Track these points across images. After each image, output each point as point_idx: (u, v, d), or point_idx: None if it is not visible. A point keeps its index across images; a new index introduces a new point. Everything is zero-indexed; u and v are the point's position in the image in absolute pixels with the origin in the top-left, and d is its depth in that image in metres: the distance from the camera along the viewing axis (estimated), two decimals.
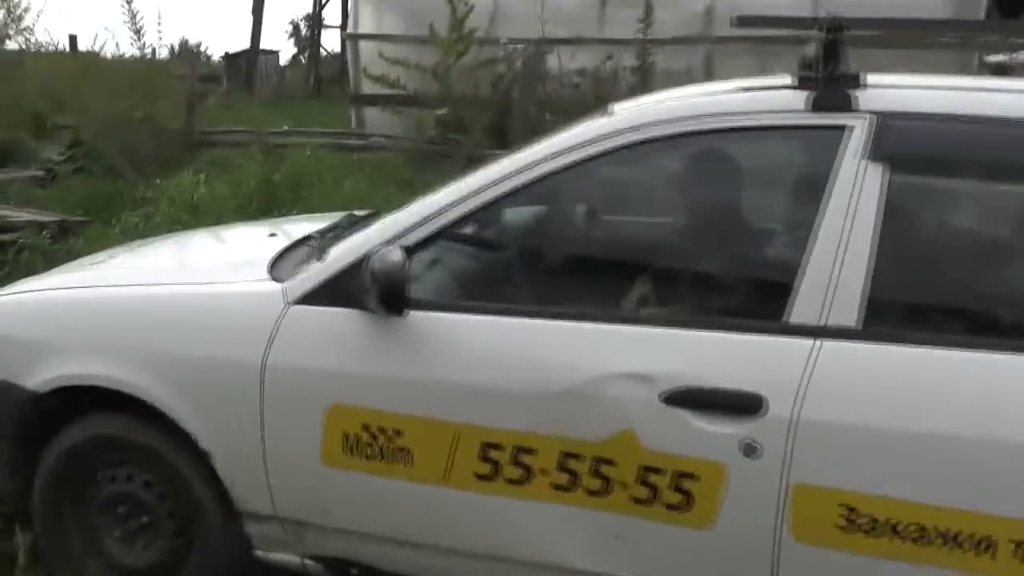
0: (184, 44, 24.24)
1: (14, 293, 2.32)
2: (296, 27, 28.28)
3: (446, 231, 1.88)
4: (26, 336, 2.17)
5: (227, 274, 2.13)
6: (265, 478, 1.97)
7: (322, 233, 2.38)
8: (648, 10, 6.94)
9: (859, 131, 1.69)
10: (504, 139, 7.27)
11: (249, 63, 18.20)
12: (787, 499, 1.65)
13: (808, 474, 1.63)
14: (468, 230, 1.92)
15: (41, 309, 2.21)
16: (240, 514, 2.03)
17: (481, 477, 1.81)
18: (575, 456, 1.75)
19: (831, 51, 1.75)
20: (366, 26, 9.40)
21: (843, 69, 1.75)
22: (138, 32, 7.68)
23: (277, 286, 1.98)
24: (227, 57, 21.18)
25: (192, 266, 2.36)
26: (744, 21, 6.75)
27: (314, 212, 4.96)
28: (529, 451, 1.77)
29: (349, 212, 2.70)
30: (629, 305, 1.82)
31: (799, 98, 1.75)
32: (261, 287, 2.00)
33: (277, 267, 2.13)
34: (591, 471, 1.75)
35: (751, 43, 8.20)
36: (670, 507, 1.72)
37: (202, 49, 28.26)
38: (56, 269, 2.69)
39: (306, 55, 24.78)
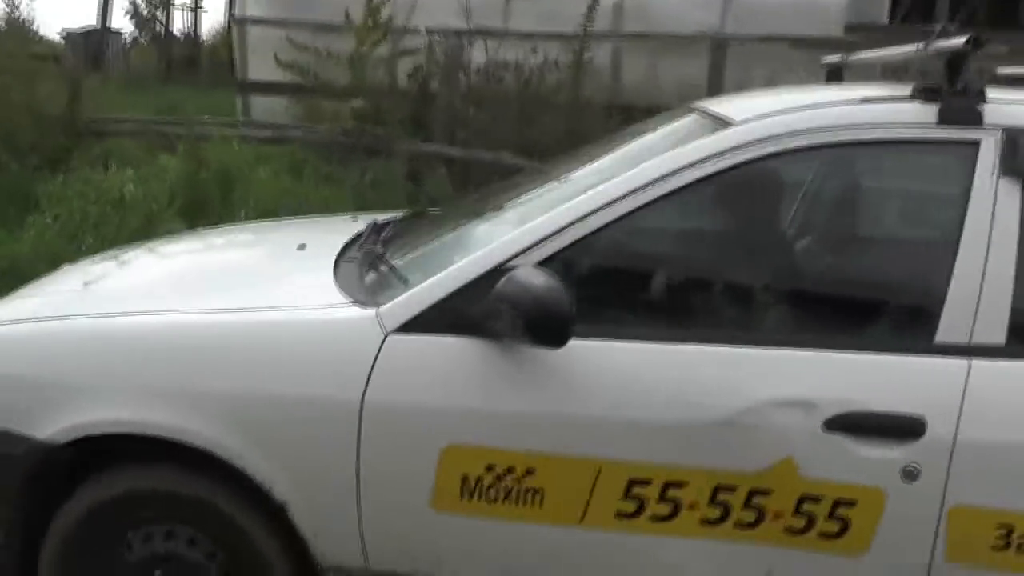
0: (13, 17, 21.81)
1: (6, 323, 1.91)
2: (135, 5, 26.15)
3: (570, 249, 1.71)
4: (34, 375, 1.80)
5: (294, 297, 1.85)
6: (358, 528, 1.74)
7: (371, 244, 2.13)
8: (592, 5, 6.89)
9: (989, 146, 1.69)
10: (423, 132, 7.04)
11: (96, 43, 16.67)
12: (943, 521, 1.63)
13: (966, 495, 1.62)
14: (594, 248, 1.75)
15: (54, 342, 1.83)
16: (322, 570, 1.78)
17: (623, 515, 1.67)
18: (729, 488, 1.65)
19: (957, 64, 1.74)
20: (254, 8, 8.80)
21: (971, 83, 1.74)
22: None
23: (368, 312, 1.73)
24: (68, 36, 19.31)
25: (236, 286, 2.02)
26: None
27: (252, 210, 4.61)
28: (679, 485, 1.65)
29: (373, 220, 2.45)
30: (778, 325, 1.73)
31: (928, 111, 1.73)
32: (347, 313, 1.75)
33: (344, 287, 1.88)
34: (744, 503, 1.65)
35: (658, 41, 8.41)
36: (824, 536, 1.65)
37: (31, 24, 25.54)
38: (25, 291, 2.26)
39: (149, 36, 23.07)
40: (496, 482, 1.68)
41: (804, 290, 1.80)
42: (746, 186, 1.77)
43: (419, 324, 1.69)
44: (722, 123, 1.81)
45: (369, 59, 6.67)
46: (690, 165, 1.71)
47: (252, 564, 1.80)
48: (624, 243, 1.75)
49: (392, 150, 6.67)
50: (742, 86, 8.90)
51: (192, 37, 22.69)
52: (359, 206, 5.38)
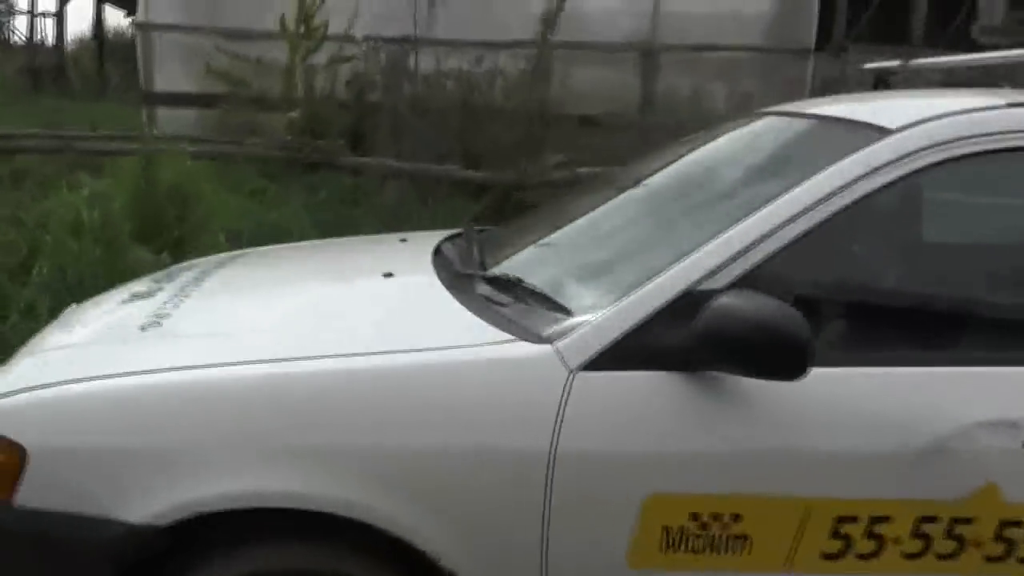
0: None
1: (79, 380, 1.59)
2: None
3: (758, 270, 1.59)
4: (116, 447, 1.51)
5: (433, 334, 1.63)
6: None
7: (477, 267, 1.95)
8: (552, 12, 6.81)
9: None
10: (363, 144, 6.75)
11: None
12: None
13: None
14: (778, 269, 1.64)
15: (142, 405, 1.54)
16: None
17: (829, 556, 1.57)
18: (931, 519, 1.58)
19: None
20: (161, 13, 8.20)
21: None
22: None
23: (544, 348, 1.56)
24: None
25: (345, 324, 1.77)
26: None
27: (211, 230, 4.21)
28: (884, 519, 1.57)
29: (440, 237, 2.25)
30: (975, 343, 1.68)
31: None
32: (520, 351, 1.56)
33: (489, 320, 1.68)
34: (945, 533, 1.59)
35: (590, 50, 8.47)
36: (1021, 561, 1.61)
37: None
38: (51, 342, 1.90)
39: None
40: (701, 531, 1.54)
41: (1001, 304, 1.76)
42: (920, 196, 1.72)
43: (607, 360, 1.53)
44: (873, 129, 1.75)
45: (303, 68, 6.33)
46: (863, 176, 1.64)
47: None
48: (807, 263, 1.65)
49: (335, 163, 6.36)
50: (672, 94, 9.17)
51: (57, 46, 21.06)
52: (324, 225, 5.09)
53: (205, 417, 1.53)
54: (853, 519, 1.56)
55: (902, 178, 1.65)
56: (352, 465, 1.49)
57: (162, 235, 4.04)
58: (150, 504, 1.47)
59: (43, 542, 1.52)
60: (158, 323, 1.84)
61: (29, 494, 1.51)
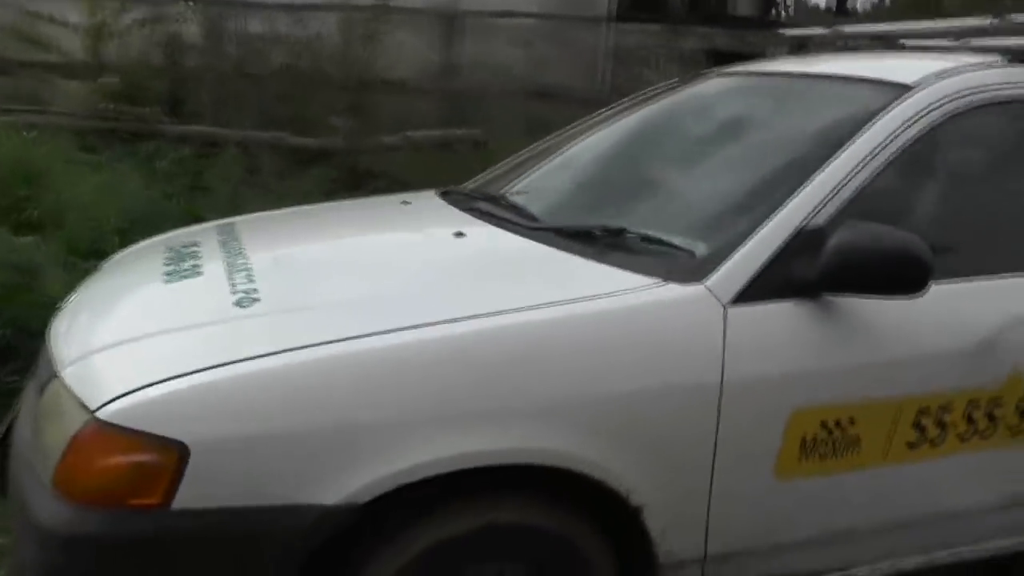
0: None
1: (225, 364, 1.43)
2: None
3: (842, 210, 1.81)
4: (301, 426, 1.41)
5: (594, 284, 1.66)
6: (705, 516, 1.68)
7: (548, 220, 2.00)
8: None
9: None
10: (182, 112, 6.17)
11: None
12: None
13: None
14: (862, 206, 1.85)
15: (316, 383, 1.44)
16: (660, 568, 1.68)
17: (910, 445, 1.86)
18: (976, 404, 1.92)
19: None
20: None
21: None
22: None
23: (699, 288, 1.66)
24: None
25: (471, 284, 1.70)
26: None
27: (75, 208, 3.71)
28: (948, 409, 1.88)
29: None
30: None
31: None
32: (678, 292, 1.65)
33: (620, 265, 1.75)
34: (985, 416, 1.94)
35: (393, 13, 8.36)
36: (1010, 431, 2.00)
37: None
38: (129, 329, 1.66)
39: None
40: (828, 437, 1.75)
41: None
42: (951, 140, 2.02)
43: (748, 294, 1.68)
44: (887, 87, 2.04)
45: (111, 30, 5.63)
46: (912, 122, 1.92)
47: None
48: (876, 200, 1.88)
49: (156, 132, 5.76)
50: (478, 60, 9.32)
51: None
52: (187, 197, 4.66)
53: (395, 387, 1.46)
54: (927, 411, 1.86)
55: (938, 127, 1.95)
56: (551, 416, 1.51)
57: (11, 216, 3.51)
58: (346, 483, 1.39)
59: (212, 544, 1.38)
60: (253, 299, 1.68)
61: (191, 494, 1.36)
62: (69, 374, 1.53)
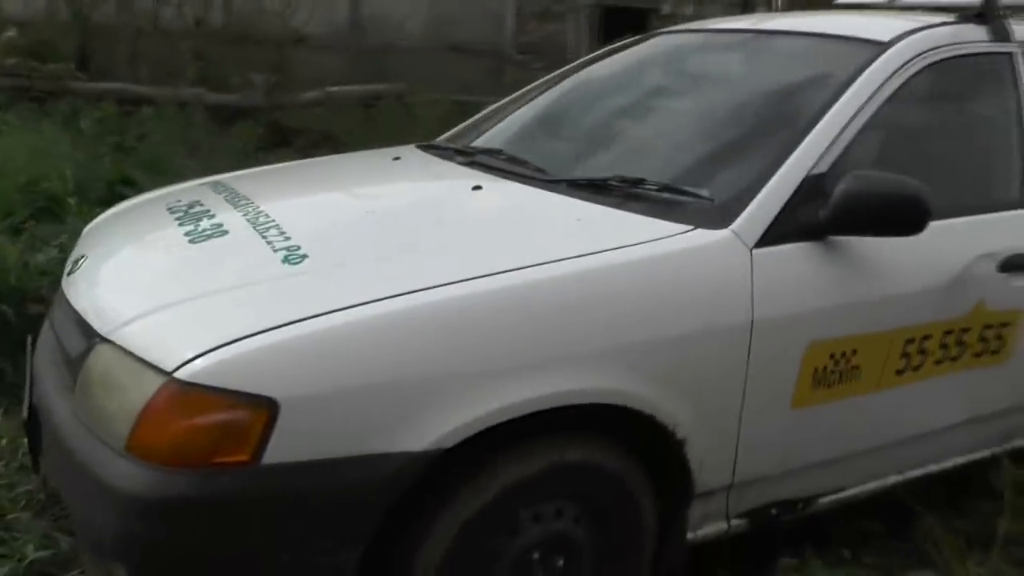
0: None
1: (307, 319, 1.44)
2: None
3: (840, 159, 1.95)
4: (388, 377, 1.45)
5: (631, 233, 1.74)
6: (734, 446, 1.82)
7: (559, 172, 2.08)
8: None
9: (1019, 58, 2.39)
10: (91, 68, 5.81)
11: None
12: None
13: None
14: (854, 155, 1.99)
15: (395, 337, 1.47)
16: (686, 503, 1.81)
17: (898, 372, 2.05)
18: (950, 332, 2.13)
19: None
20: None
21: (1000, 11, 2.40)
22: None
23: (726, 233, 1.78)
24: None
25: (506, 236, 1.74)
26: None
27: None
28: (928, 338, 2.08)
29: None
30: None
31: (983, 31, 2.35)
32: (709, 237, 1.76)
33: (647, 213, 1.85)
34: (956, 342, 2.15)
35: None
36: (993, 353, 2.24)
37: None
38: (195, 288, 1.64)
39: None
40: (835, 368, 1.92)
41: (980, 168, 2.32)
42: (924, 91, 2.20)
43: (768, 238, 1.81)
44: (862, 43, 2.20)
45: None
46: (890, 78, 2.08)
47: (621, 517, 1.75)
48: (871, 148, 2.04)
49: (69, 90, 5.41)
50: (381, 16, 9.12)
51: None
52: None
53: (474, 334, 1.52)
54: (912, 340, 2.05)
55: (911, 79, 2.12)
56: (609, 359, 1.60)
57: None
58: (432, 429, 1.44)
59: (302, 497, 1.41)
60: (301, 255, 1.68)
61: (281, 449, 1.38)
62: (126, 338, 1.50)
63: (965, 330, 2.16)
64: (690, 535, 1.90)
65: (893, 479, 2.27)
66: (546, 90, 2.93)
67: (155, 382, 1.39)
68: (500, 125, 2.81)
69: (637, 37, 3.11)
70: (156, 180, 4.32)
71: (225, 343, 1.39)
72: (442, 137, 2.94)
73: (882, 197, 1.81)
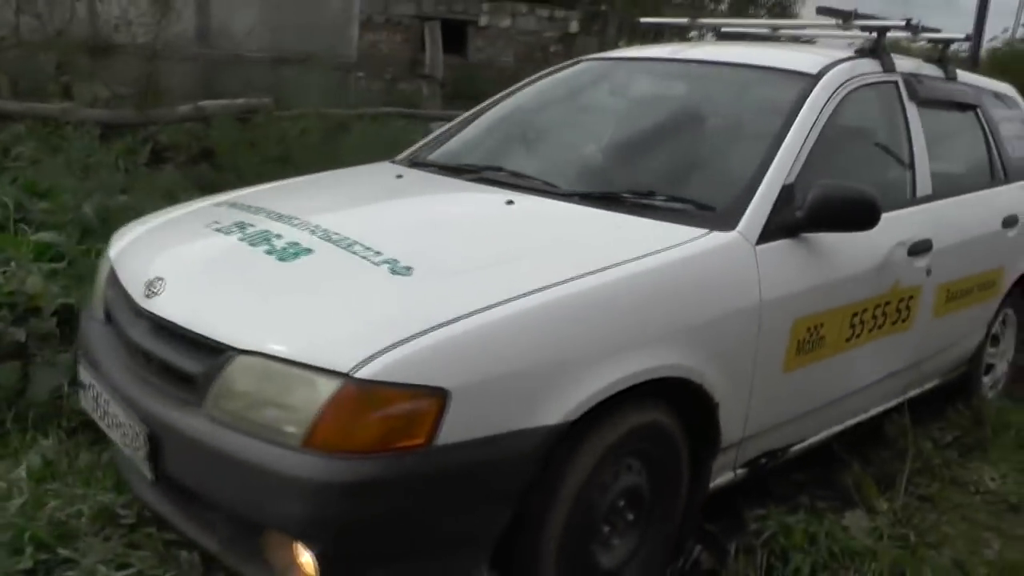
0: None
1: (467, 315, 1.72)
2: None
3: (802, 171, 2.43)
4: (530, 365, 1.75)
5: (652, 240, 2.12)
6: (747, 406, 2.25)
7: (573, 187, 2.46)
8: None
9: (901, 84, 3.02)
10: None
11: None
12: (935, 294, 2.97)
13: (942, 278, 2.98)
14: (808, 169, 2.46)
15: (528, 329, 1.77)
16: (713, 457, 2.22)
17: (847, 339, 2.58)
18: (878, 305, 2.69)
19: (883, 34, 3.00)
20: None
21: (886, 47, 3.02)
22: None
23: (735, 234, 2.20)
24: None
25: (580, 243, 2.11)
26: None
27: None
28: (865, 310, 2.63)
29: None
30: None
31: (876, 64, 2.96)
32: (727, 239, 2.19)
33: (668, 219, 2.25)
34: (881, 313, 2.72)
35: None
36: (901, 321, 2.84)
37: None
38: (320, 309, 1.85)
39: None
40: (810, 338, 2.40)
41: (895, 170, 2.91)
42: (848, 113, 2.73)
43: (763, 236, 2.27)
44: (797, 75, 2.72)
45: None
46: (825, 104, 2.61)
47: (667, 467, 2.14)
48: (820, 159, 2.53)
49: None
50: (227, 20, 8.90)
51: None
52: None
53: (585, 326, 1.86)
54: (856, 314, 2.59)
55: (837, 105, 2.66)
56: (672, 342, 1.99)
57: None
58: (562, 406, 1.76)
59: (469, 470, 1.68)
60: (406, 267, 1.93)
61: (451, 431, 1.64)
62: (279, 349, 1.69)
63: (887, 303, 2.74)
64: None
65: (836, 428, 2.82)
66: (492, 109, 3.30)
67: (331, 383, 1.60)
68: (462, 141, 3.13)
69: (570, 62, 3.53)
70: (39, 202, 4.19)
71: (396, 343, 1.63)
72: (405, 154, 3.21)
73: (845, 201, 2.32)
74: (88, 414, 2.23)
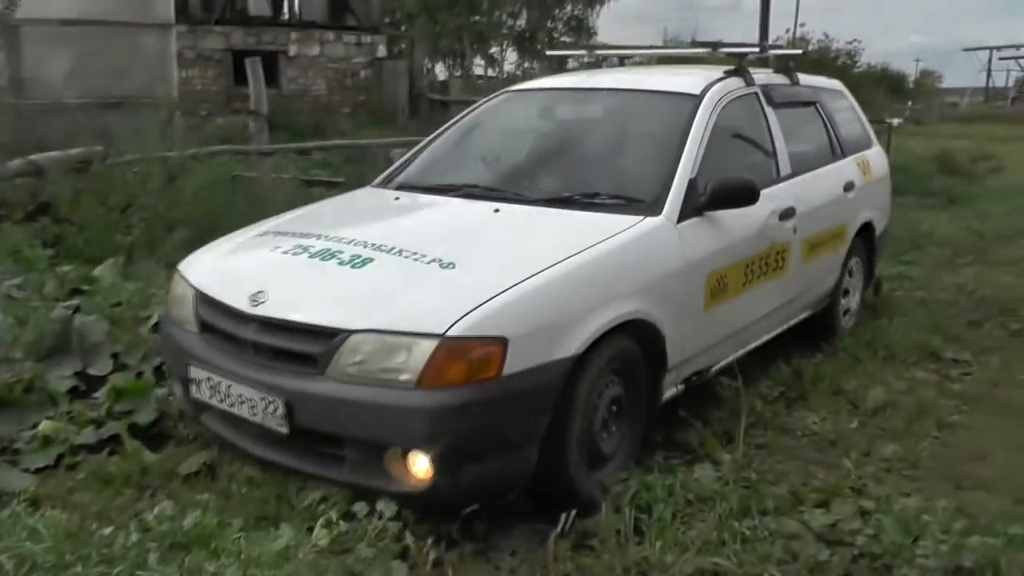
0: None
1: (508, 287, 2.63)
2: None
3: (700, 167, 3.45)
4: (565, 315, 2.70)
5: (608, 227, 3.08)
6: (682, 337, 3.24)
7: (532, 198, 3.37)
8: None
9: (759, 93, 4.11)
10: None
11: None
12: (801, 247, 4.08)
13: (805, 234, 4.09)
14: (703, 167, 3.48)
15: (550, 294, 2.71)
16: (663, 374, 3.19)
17: (743, 284, 3.62)
18: (764, 259, 3.75)
19: (741, 58, 4.07)
20: None
21: (747, 66, 4.10)
22: None
23: (662, 219, 3.19)
24: None
25: (546, 234, 3.03)
26: None
27: None
28: (755, 262, 3.68)
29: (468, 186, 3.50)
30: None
31: (740, 81, 4.02)
32: (657, 222, 3.17)
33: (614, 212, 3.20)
34: (764, 264, 3.78)
35: None
36: (778, 269, 3.92)
37: None
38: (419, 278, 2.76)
39: None
40: (718, 286, 3.42)
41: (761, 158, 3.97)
42: (723, 121, 3.76)
43: (680, 217, 3.27)
44: (686, 96, 3.74)
45: None
46: (710, 116, 3.63)
47: (635, 381, 3.10)
48: (709, 158, 3.54)
49: None
50: (42, 70, 9.00)
51: None
52: None
53: (584, 287, 2.80)
54: (748, 266, 3.64)
55: (718, 116, 3.69)
56: (635, 295, 2.96)
57: None
58: (574, 343, 2.69)
59: (524, 390, 2.58)
60: (449, 262, 2.82)
61: (511, 365, 2.54)
62: (387, 325, 2.53)
63: (768, 256, 3.81)
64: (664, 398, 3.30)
65: (743, 351, 3.86)
66: (440, 138, 4.23)
67: (431, 343, 2.47)
68: (426, 166, 4.05)
69: (496, 94, 4.45)
70: None
71: (469, 311, 2.52)
72: (380, 179, 4.06)
73: (734, 187, 3.35)
74: (203, 402, 2.97)
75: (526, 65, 26.28)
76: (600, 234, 3.02)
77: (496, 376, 2.53)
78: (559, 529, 2.56)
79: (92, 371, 3.80)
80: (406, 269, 2.83)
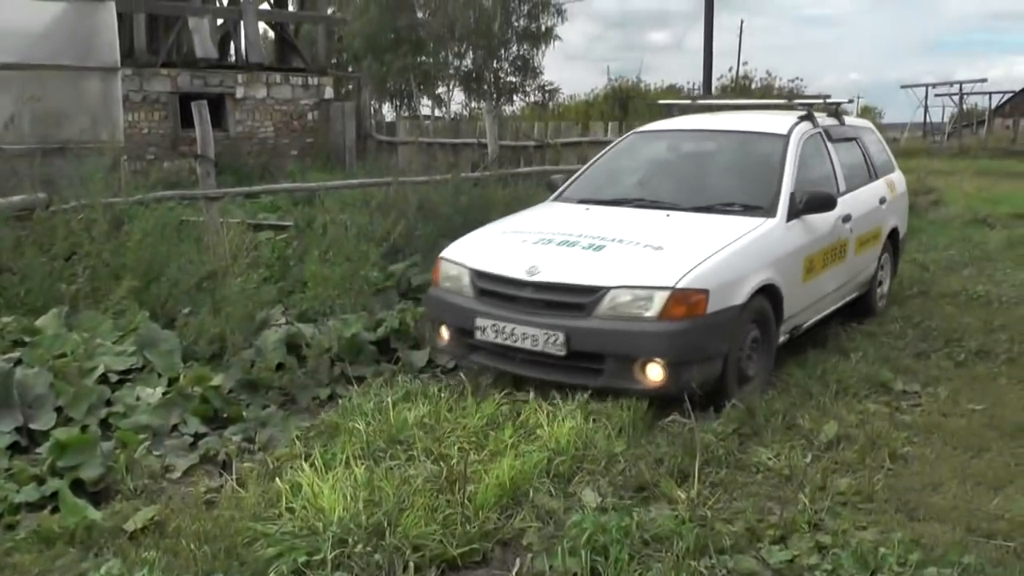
0: None
1: (704, 260, 4.29)
2: None
3: (798, 188, 5.14)
4: (735, 278, 4.37)
5: (749, 223, 4.75)
6: (791, 299, 4.92)
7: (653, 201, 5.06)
8: None
9: (823, 133, 5.84)
10: None
11: None
12: (855, 243, 5.79)
13: (857, 233, 5.80)
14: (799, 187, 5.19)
15: (726, 264, 4.37)
16: (780, 324, 4.85)
17: (823, 266, 5.31)
18: (833, 249, 5.45)
19: (810, 107, 5.82)
20: None
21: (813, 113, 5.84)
22: None
23: (777, 219, 4.88)
24: None
25: (719, 228, 4.72)
26: None
27: None
28: (826, 251, 5.38)
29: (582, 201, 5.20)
30: None
31: (811, 124, 5.75)
32: (774, 221, 4.86)
33: (740, 213, 4.87)
34: (835, 254, 5.48)
35: None
36: (841, 258, 5.63)
37: None
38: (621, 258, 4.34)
39: None
40: (811, 266, 5.12)
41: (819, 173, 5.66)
42: (805, 150, 5.47)
43: (788, 218, 4.98)
44: (778, 135, 5.46)
45: None
46: (797, 148, 5.35)
47: (767, 327, 4.75)
48: (799, 176, 5.26)
49: None
50: None
51: None
52: None
53: (743, 261, 4.47)
54: (825, 252, 5.36)
55: (800, 148, 5.43)
56: (769, 267, 4.63)
57: None
58: (742, 294, 4.37)
59: (716, 324, 4.24)
60: (655, 247, 4.50)
61: (711, 307, 4.20)
62: (637, 282, 4.20)
63: (836, 248, 5.53)
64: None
65: (816, 319, 5.54)
66: (591, 168, 5.94)
67: (666, 292, 4.13)
68: (590, 187, 5.71)
69: (627, 135, 6.20)
70: None
71: (685, 273, 4.20)
72: (553, 197, 5.74)
73: (820, 198, 5.07)
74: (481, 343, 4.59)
75: (472, 105, 25.72)
76: (744, 228, 4.72)
77: (703, 314, 4.19)
78: (513, 574, 2.83)
79: (34, 425, 3.80)
80: (631, 250, 4.48)
